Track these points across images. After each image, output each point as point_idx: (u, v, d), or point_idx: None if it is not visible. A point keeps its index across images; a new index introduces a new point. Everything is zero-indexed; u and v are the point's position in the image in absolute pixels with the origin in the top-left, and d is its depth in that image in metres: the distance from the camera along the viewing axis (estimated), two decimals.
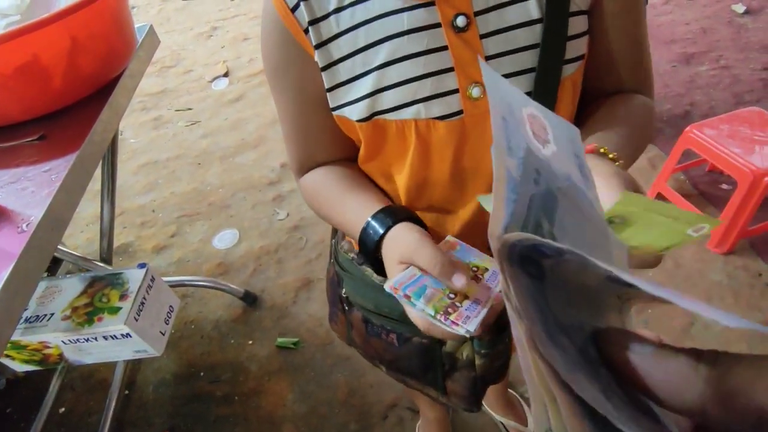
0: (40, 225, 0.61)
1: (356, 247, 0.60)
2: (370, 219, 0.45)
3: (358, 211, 0.48)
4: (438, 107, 0.44)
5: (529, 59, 0.43)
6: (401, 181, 0.50)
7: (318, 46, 0.45)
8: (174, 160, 2.10)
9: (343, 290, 0.63)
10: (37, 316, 1.06)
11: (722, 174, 1.63)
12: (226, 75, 2.58)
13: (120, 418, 1.23)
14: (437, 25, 0.42)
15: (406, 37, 0.42)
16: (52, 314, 1.07)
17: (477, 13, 0.42)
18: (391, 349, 0.61)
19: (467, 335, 0.35)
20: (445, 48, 0.42)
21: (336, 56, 0.45)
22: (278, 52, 0.47)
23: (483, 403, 1.16)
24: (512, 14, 0.42)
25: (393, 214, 0.45)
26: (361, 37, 0.43)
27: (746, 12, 2.39)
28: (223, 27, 3.05)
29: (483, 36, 0.42)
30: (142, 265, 1.11)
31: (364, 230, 0.46)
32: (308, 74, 0.47)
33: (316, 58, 0.45)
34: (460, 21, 0.41)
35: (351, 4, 0.43)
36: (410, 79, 0.43)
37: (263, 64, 0.50)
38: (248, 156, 2.04)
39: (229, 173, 1.97)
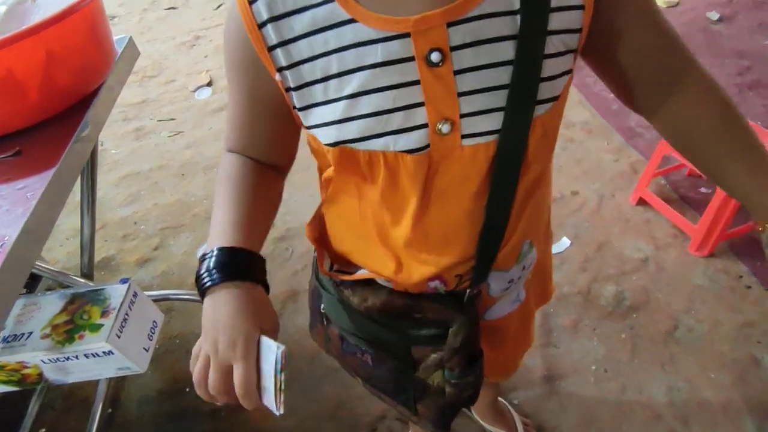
0: (15, 245, 0.59)
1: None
2: (215, 249, 0.46)
3: (219, 226, 0.48)
4: (406, 141, 0.43)
5: (502, 98, 0.42)
6: (374, 200, 0.50)
7: (288, 68, 0.44)
8: (157, 170, 2.07)
9: (322, 305, 0.63)
10: (15, 335, 1.03)
11: (701, 178, 1.66)
12: (209, 84, 2.56)
13: None
14: (410, 59, 0.41)
15: (378, 69, 0.41)
16: (31, 333, 1.04)
17: (453, 48, 0.41)
18: (365, 367, 0.61)
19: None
20: (417, 82, 0.42)
21: (308, 78, 0.44)
22: (237, 52, 0.46)
23: (473, 411, 1.16)
24: (488, 53, 0.41)
25: (231, 265, 0.45)
26: (334, 64, 0.42)
27: (720, 19, 2.46)
28: (206, 36, 3.03)
29: (457, 72, 0.41)
30: (124, 280, 1.08)
31: (203, 256, 0.47)
32: (263, 82, 0.46)
33: (283, 78, 0.44)
34: (435, 57, 0.40)
35: (323, 29, 0.42)
36: (380, 111, 0.42)
37: (223, 49, 0.49)
38: None
39: (213, 184, 1.94)
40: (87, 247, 1.22)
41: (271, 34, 0.42)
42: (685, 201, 1.61)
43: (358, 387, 1.23)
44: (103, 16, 0.83)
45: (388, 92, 0.42)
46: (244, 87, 0.49)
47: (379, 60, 0.41)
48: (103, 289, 1.08)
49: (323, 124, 0.45)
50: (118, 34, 1.00)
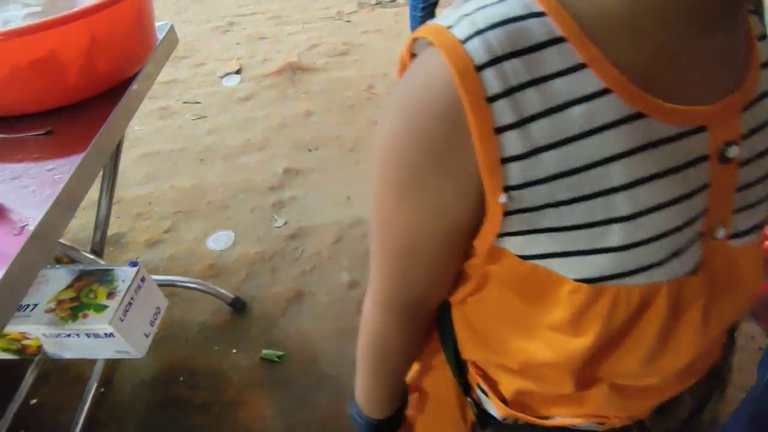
0: (38, 227, 0.59)
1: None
2: (370, 419, 0.50)
3: (373, 395, 0.50)
4: (685, 260, 0.34)
5: None
6: (576, 345, 0.37)
7: (521, 187, 0.31)
8: (177, 153, 2.07)
9: None
10: (21, 305, 1.04)
11: None
12: (238, 72, 2.57)
13: (93, 416, 1.20)
14: (704, 158, 0.32)
15: (670, 176, 0.32)
16: (36, 305, 1.04)
17: (743, 137, 0.34)
18: None
19: None
20: (705, 186, 0.33)
21: (553, 199, 0.31)
22: (434, 142, 0.31)
23: None
24: None
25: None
26: (602, 176, 0.31)
27: None
28: (240, 23, 3.04)
29: (741, 164, 0.34)
30: (133, 264, 1.09)
31: (357, 411, 0.50)
32: (459, 197, 0.33)
33: (505, 200, 0.31)
34: (732, 151, 0.33)
35: (591, 132, 0.30)
36: (665, 232, 0.33)
37: (384, 156, 0.34)
38: (252, 157, 2.02)
39: (230, 173, 1.95)
40: (101, 225, 1.23)
41: (512, 141, 0.30)
42: None
43: None
44: (150, 5, 0.84)
45: (676, 206, 0.33)
46: (425, 208, 0.34)
47: (673, 164, 0.32)
48: (112, 270, 1.08)
49: (560, 254, 0.33)
50: (156, 14, 0.99)
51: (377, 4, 3.19)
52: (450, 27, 0.30)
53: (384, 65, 2.53)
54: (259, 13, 3.16)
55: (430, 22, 0.32)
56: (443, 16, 0.32)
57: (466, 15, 0.31)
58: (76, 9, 0.67)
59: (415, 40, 0.33)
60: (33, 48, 0.68)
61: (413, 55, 0.34)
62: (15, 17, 0.73)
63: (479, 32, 0.29)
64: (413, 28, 2.15)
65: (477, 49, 0.29)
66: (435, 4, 2.08)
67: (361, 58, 2.62)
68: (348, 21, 3.00)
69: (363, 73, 2.49)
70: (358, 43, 2.76)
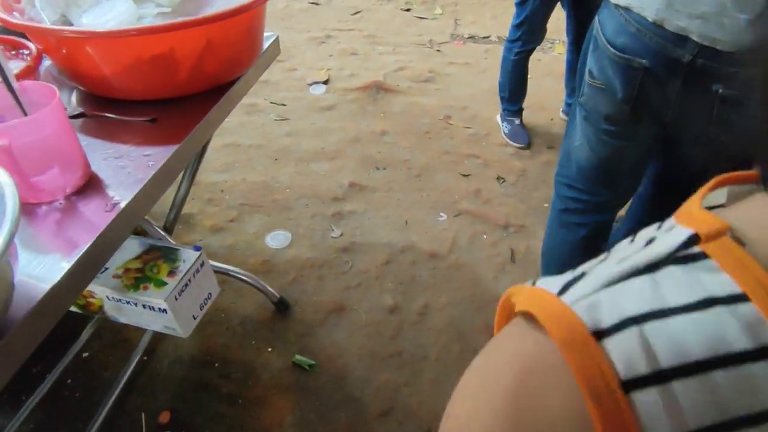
0: (126, 207, 0.65)
1: None
2: None
3: None
4: None
5: None
6: None
7: None
8: (255, 148, 2.19)
9: None
10: None
11: None
12: (325, 82, 2.68)
13: (131, 382, 1.28)
14: None
15: None
16: (107, 269, 1.13)
17: None
18: None
19: None
20: None
21: None
22: None
23: None
24: None
25: None
26: None
27: None
28: (337, 37, 3.18)
29: None
30: (197, 248, 1.15)
31: None
32: None
33: None
34: None
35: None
36: None
37: None
38: (322, 165, 2.10)
39: (300, 176, 2.03)
40: (177, 206, 1.32)
41: None
42: None
43: (374, 424, 1.22)
44: (262, 18, 0.90)
45: None
46: None
47: None
48: (178, 249, 1.15)
49: None
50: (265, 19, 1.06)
51: (469, 38, 3.22)
52: (603, 333, 0.21)
53: (465, 98, 2.54)
54: (356, 30, 3.29)
55: (552, 286, 0.23)
56: (585, 290, 0.22)
57: (633, 321, 0.21)
58: (198, 16, 0.74)
59: (519, 310, 0.24)
60: (156, 45, 0.75)
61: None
62: (148, 14, 0.82)
63: (663, 377, 0.19)
64: (504, 69, 2.14)
65: (655, 414, 0.18)
66: (531, 50, 2.06)
67: (444, 88, 2.65)
68: (438, 50, 3.05)
69: (443, 102, 2.51)
70: (444, 72, 2.79)
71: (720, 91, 0.78)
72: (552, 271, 1.28)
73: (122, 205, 0.65)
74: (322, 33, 3.22)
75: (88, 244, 0.59)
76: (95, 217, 0.63)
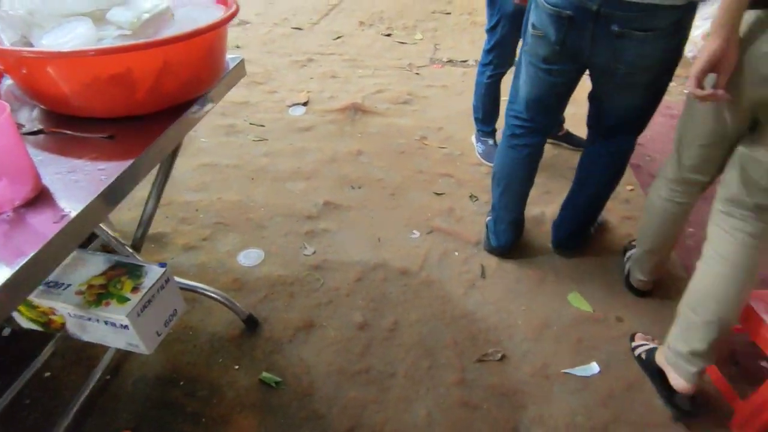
0: (75, 219, 0.67)
1: None
2: None
3: None
4: None
5: None
6: None
7: None
8: (232, 168, 2.22)
9: None
10: (57, 282, 1.13)
11: (763, 352, 1.50)
12: (305, 104, 2.73)
13: (93, 401, 1.26)
14: None
15: None
16: (69, 285, 1.13)
17: None
18: None
19: None
20: None
21: None
22: None
23: None
24: None
25: None
26: None
27: None
28: (318, 61, 3.26)
29: None
30: (162, 265, 1.16)
31: None
32: None
33: None
34: None
35: None
36: None
37: None
38: (298, 185, 2.12)
39: (275, 195, 2.05)
40: (144, 224, 1.33)
41: None
42: (738, 368, 1.46)
43: None
44: (223, 41, 0.94)
45: None
46: None
47: None
48: (142, 266, 1.16)
49: None
50: (244, 41, 1.10)
51: (448, 62, 3.32)
52: None
53: (441, 120, 2.60)
54: (337, 54, 3.37)
55: None
56: None
57: None
58: (155, 38, 0.77)
59: None
60: (114, 64, 0.78)
61: None
62: (108, 36, 0.85)
63: None
64: (477, 91, 2.21)
65: None
66: (503, 74, 2.14)
67: (421, 109, 2.71)
68: (417, 73, 3.14)
69: (419, 123, 2.57)
70: (421, 95, 2.87)
71: (616, 29, 1.15)
72: (499, 188, 1.67)
73: (72, 215, 0.66)
74: (303, 57, 3.30)
75: (34, 252, 0.60)
76: (43, 227, 0.64)
